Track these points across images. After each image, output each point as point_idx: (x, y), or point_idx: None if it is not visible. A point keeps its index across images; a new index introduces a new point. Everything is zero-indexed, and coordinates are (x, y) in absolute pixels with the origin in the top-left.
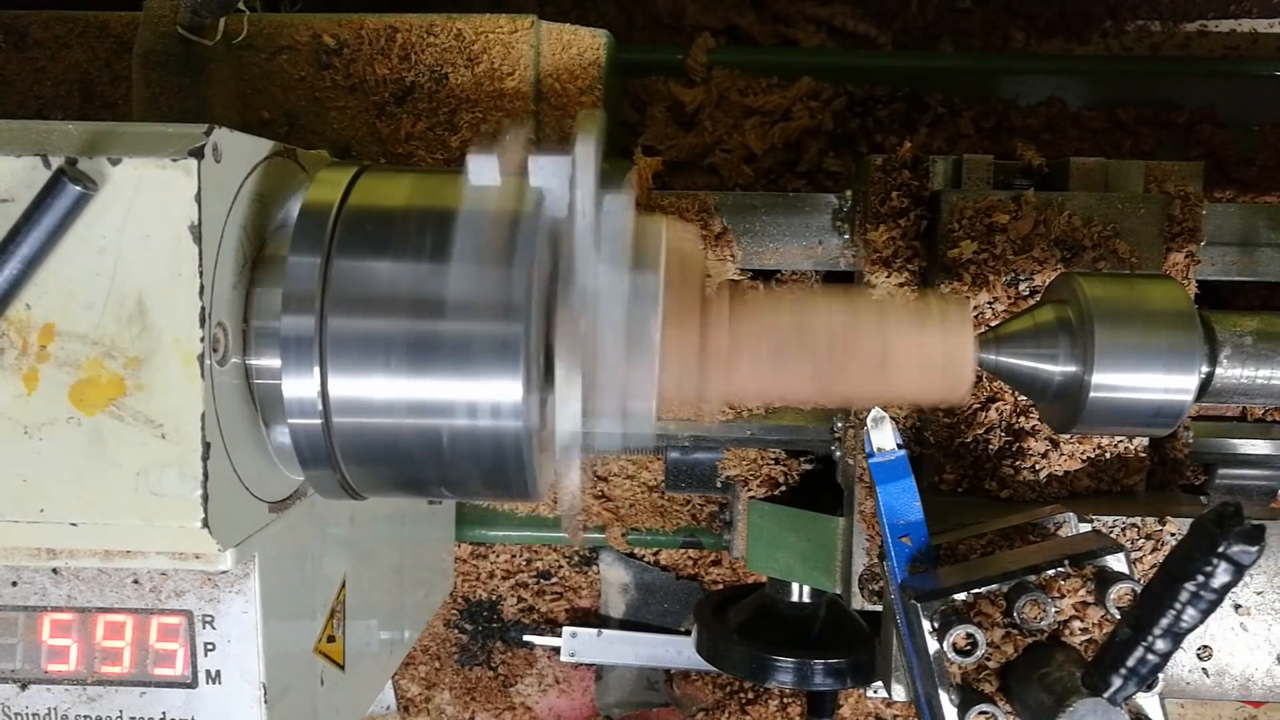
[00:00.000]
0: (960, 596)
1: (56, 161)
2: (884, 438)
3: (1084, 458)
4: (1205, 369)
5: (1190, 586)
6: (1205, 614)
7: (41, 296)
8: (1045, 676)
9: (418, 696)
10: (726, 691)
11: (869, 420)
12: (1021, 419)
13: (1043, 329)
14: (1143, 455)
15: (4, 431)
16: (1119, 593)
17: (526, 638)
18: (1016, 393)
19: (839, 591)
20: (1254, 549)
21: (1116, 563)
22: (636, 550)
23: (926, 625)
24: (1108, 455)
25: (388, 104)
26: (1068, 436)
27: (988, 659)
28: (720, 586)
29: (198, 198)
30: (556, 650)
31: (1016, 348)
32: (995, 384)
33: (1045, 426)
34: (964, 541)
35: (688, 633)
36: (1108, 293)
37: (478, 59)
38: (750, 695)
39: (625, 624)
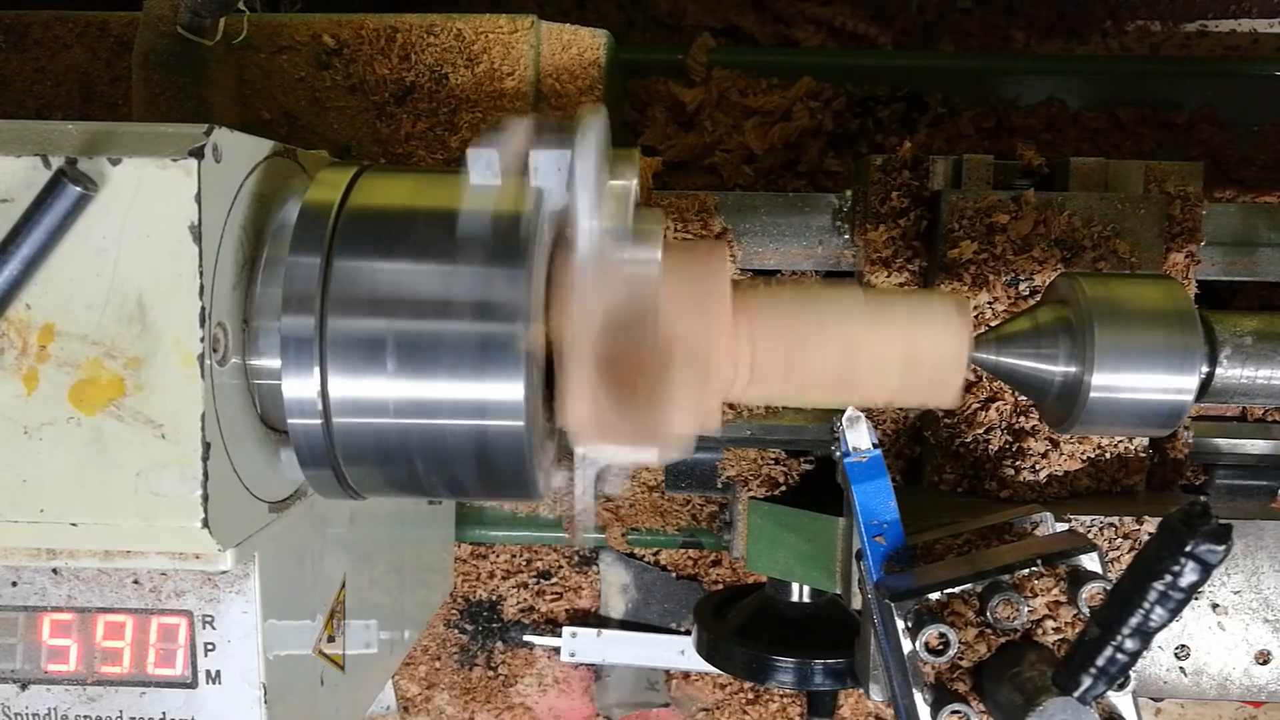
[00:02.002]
0: (934, 596)
1: (57, 162)
2: (859, 437)
3: (1084, 458)
4: (1205, 369)
5: (1158, 586)
6: (1174, 613)
7: (41, 296)
8: (1017, 676)
9: (418, 696)
10: (727, 691)
11: (844, 420)
12: (1021, 419)
13: (1043, 329)
14: (1143, 455)
15: (4, 431)
16: (1091, 592)
17: (526, 638)
18: (1016, 393)
19: (839, 591)
20: (1221, 548)
21: (1090, 562)
22: (636, 550)
23: (900, 624)
24: (1108, 455)
25: (388, 104)
26: (1068, 436)
27: (960, 658)
28: (720, 586)
29: (198, 198)
30: (556, 650)
31: (1016, 348)
32: (995, 384)
33: (1045, 426)
34: (941, 541)
35: (688, 633)
36: (1108, 293)
37: (478, 59)
38: (750, 695)
39: (625, 624)
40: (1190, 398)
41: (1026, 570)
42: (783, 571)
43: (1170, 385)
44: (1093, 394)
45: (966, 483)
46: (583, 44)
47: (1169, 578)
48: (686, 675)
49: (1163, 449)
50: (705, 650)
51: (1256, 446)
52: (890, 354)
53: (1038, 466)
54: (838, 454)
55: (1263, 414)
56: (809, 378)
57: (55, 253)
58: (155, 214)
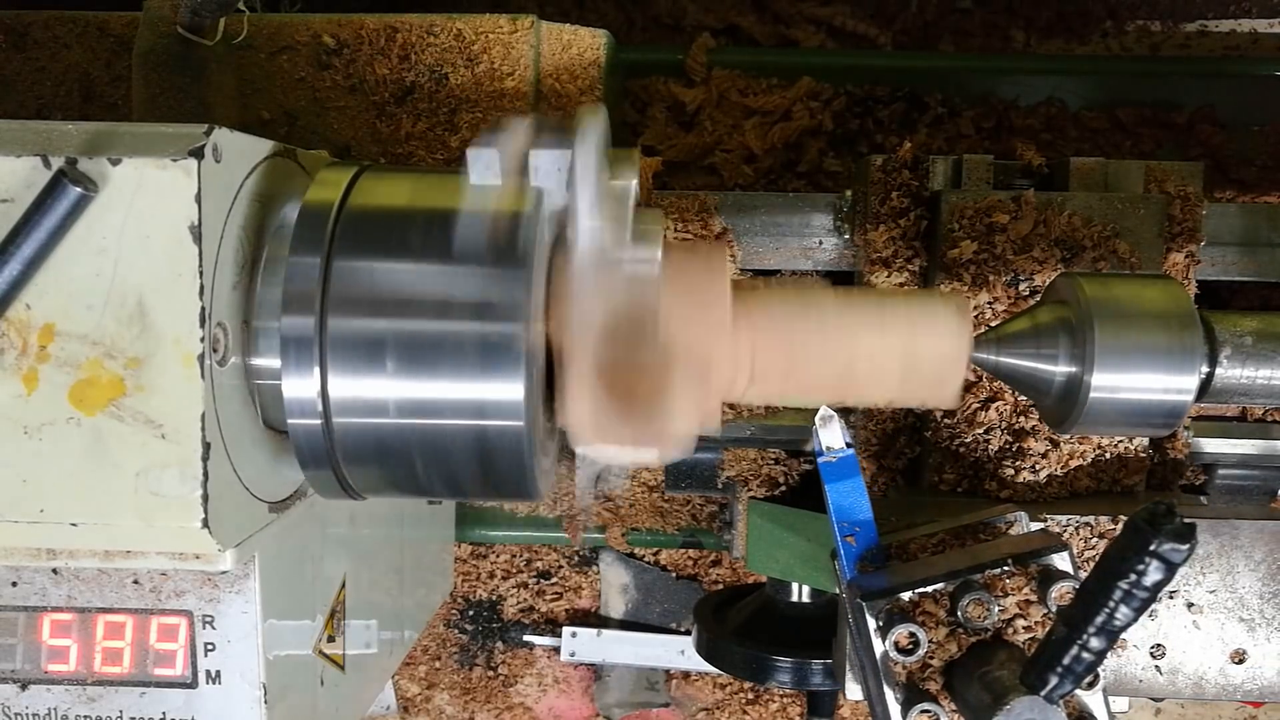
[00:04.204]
0: (906, 595)
1: (57, 162)
2: (832, 436)
3: (1084, 458)
4: (1205, 369)
5: (1123, 585)
6: (1139, 612)
7: (42, 297)
8: (986, 674)
9: (418, 696)
10: (727, 691)
11: (817, 419)
12: (1021, 419)
13: (1043, 329)
14: (1143, 455)
15: (4, 431)
16: (1060, 591)
17: (526, 638)
18: (1016, 393)
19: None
20: (1185, 547)
21: (1061, 561)
22: (636, 550)
23: (871, 624)
24: (1108, 455)
25: (388, 104)
26: (1068, 436)
27: (931, 657)
28: (720, 586)
29: (198, 198)
30: (556, 650)
31: (1016, 348)
32: (995, 384)
33: (1045, 426)
34: (914, 540)
35: (688, 633)
36: (1108, 293)
37: (478, 59)
38: (750, 695)
39: (625, 624)
40: (1190, 398)
41: (998, 570)
42: (783, 571)
43: (1170, 385)
44: (1093, 394)
45: (966, 483)
46: (583, 44)
47: (1133, 577)
48: (686, 675)
49: (1163, 449)
50: (705, 650)
51: (1256, 446)
52: (890, 354)
53: (1038, 466)
54: None
55: (1263, 414)
56: (809, 378)
57: (55, 253)
58: (155, 214)
